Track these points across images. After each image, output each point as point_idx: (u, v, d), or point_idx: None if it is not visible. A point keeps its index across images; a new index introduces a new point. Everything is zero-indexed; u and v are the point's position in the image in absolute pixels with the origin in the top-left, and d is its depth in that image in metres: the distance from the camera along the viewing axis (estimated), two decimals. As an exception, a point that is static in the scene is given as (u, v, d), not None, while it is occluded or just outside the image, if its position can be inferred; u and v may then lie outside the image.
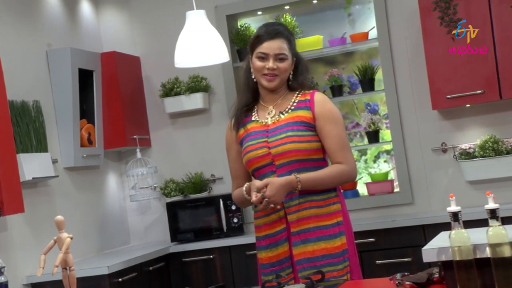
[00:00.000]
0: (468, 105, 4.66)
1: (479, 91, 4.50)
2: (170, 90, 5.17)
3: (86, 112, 4.93)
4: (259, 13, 5.29)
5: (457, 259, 2.15)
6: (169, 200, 5.13)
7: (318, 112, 2.91)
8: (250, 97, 3.03)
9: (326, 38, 5.16)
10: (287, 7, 5.21)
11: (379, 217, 4.86)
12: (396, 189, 5.04)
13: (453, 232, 2.21)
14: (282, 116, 2.95)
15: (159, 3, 5.37)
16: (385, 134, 5.16)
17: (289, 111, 2.95)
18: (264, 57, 2.93)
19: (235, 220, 4.94)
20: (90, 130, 4.89)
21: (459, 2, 4.52)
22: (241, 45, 5.18)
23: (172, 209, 5.05)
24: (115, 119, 5.05)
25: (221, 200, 4.97)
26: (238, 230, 4.95)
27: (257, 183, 2.81)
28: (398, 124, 4.91)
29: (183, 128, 5.34)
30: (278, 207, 2.87)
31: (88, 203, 4.99)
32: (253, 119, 3.02)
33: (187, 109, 5.17)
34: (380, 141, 5.07)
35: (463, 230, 2.20)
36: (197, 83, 5.14)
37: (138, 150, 5.13)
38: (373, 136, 5.02)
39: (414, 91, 4.88)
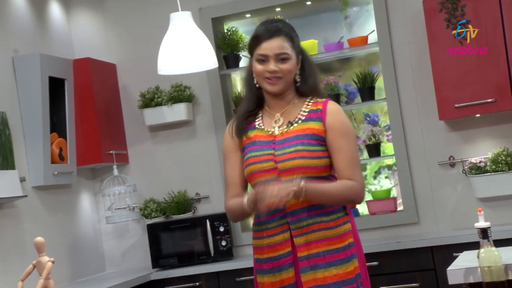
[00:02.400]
0: (478, 115, 4.65)
1: (490, 100, 4.51)
2: (151, 100, 5.12)
3: (57, 125, 4.87)
4: (248, 15, 5.27)
5: (487, 280, 2.13)
6: (149, 221, 5.06)
7: (329, 124, 2.87)
8: (253, 104, 2.98)
9: (321, 43, 5.15)
10: (278, 9, 5.19)
11: (382, 238, 4.84)
12: (400, 208, 5.02)
13: (482, 250, 2.19)
14: (292, 127, 2.90)
15: (136, 5, 5.34)
16: (386, 147, 5.14)
17: (299, 121, 2.91)
18: (264, 59, 2.89)
19: (224, 243, 4.89)
20: (61, 145, 4.83)
21: (467, 2, 4.53)
22: (228, 51, 5.16)
23: (153, 232, 4.99)
24: (89, 132, 4.98)
25: (207, 221, 4.92)
26: (226, 254, 4.90)
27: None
28: (402, 136, 4.90)
29: (165, 142, 5.28)
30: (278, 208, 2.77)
31: (59, 226, 4.90)
32: (256, 126, 2.97)
33: (169, 121, 5.13)
34: (382, 155, 5.05)
35: (494, 248, 2.17)
36: (180, 92, 5.10)
37: (115, 166, 5.06)
38: (374, 150, 5.00)
39: (419, 100, 4.88)
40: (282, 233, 2.86)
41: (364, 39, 5.02)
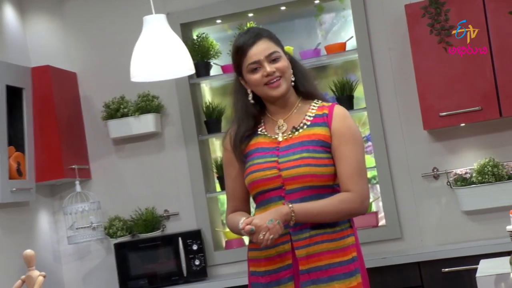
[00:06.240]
0: (463, 124, 4.68)
1: (476, 108, 4.54)
2: (116, 111, 5.02)
3: (14, 137, 4.73)
4: (218, 21, 5.22)
5: (522, 286, 2.11)
6: (115, 241, 4.95)
7: (335, 129, 2.86)
8: (252, 122, 2.95)
9: (296, 50, 5.13)
10: (250, 15, 5.16)
11: (365, 254, 4.75)
12: (382, 222, 5.01)
13: (514, 255, 2.17)
14: (296, 133, 2.89)
15: (98, 10, 5.24)
16: (366, 159, 5.12)
17: (305, 126, 2.89)
18: (256, 67, 2.87)
19: (197, 262, 4.82)
20: (19, 159, 4.70)
21: (451, 7, 4.57)
22: (198, 58, 5.09)
23: (121, 252, 4.89)
24: (50, 146, 4.87)
25: (180, 239, 4.84)
26: (200, 274, 4.83)
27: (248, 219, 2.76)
28: (383, 147, 4.90)
29: (131, 156, 5.19)
30: (272, 237, 2.71)
31: (16, 247, 4.73)
32: (259, 132, 2.95)
33: (135, 133, 5.04)
34: (361, 168, 5.03)
35: (528, 252, 2.16)
36: (147, 102, 5.02)
37: (77, 182, 4.94)
38: (353, 162, 4.98)
39: (401, 109, 4.89)
40: (283, 245, 2.84)
41: (342, 46, 5.02)
